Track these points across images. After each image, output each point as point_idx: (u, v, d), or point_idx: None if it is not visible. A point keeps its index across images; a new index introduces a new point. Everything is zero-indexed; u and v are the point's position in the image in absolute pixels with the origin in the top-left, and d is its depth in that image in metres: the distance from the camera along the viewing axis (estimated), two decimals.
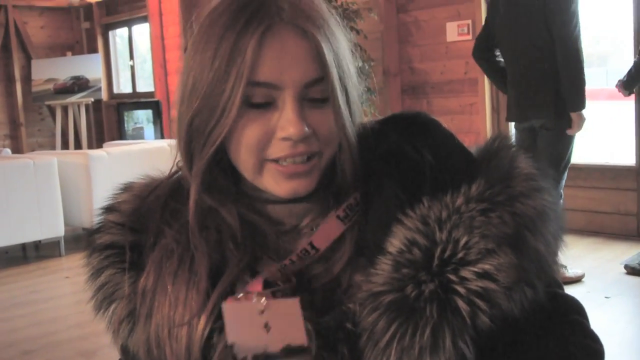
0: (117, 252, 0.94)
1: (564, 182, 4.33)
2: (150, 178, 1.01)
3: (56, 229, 5.99)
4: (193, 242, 0.89)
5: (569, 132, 4.21)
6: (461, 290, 0.78)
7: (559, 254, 0.87)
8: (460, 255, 0.79)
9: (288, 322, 0.83)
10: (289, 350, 0.82)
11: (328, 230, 0.89)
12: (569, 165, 4.35)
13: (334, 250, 0.89)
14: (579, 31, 4.11)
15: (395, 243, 0.82)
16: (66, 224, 6.10)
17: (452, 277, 0.78)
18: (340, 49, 0.88)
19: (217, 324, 0.85)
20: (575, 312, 0.91)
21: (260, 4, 0.85)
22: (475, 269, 0.78)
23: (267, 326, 0.83)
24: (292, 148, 0.85)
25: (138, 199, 0.98)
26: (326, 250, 0.89)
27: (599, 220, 5.54)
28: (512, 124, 5.02)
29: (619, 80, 4.69)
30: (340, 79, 0.87)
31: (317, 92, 0.86)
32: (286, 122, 0.84)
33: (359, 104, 0.93)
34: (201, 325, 0.85)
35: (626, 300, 4.17)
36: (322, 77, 0.85)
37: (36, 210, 5.84)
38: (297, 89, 0.84)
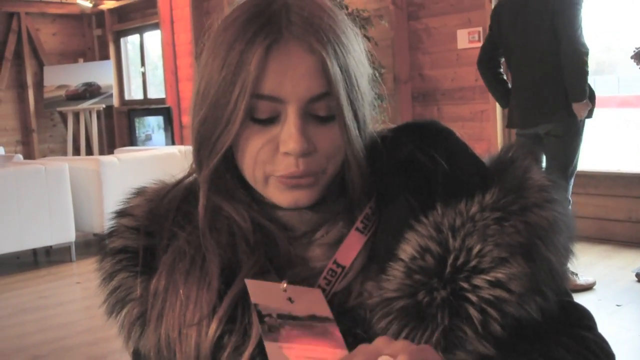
0: (130, 256, 0.94)
1: (571, 188, 4.33)
2: (162, 183, 1.01)
3: (67, 235, 6.02)
4: (204, 243, 0.90)
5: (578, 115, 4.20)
6: (473, 298, 0.78)
7: (569, 264, 0.87)
8: (473, 263, 0.79)
9: (312, 303, 0.84)
10: (313, 318, 0.82)
11: (350, 244, 0.89)
12: (576, 172, 4.35)
13: (354, 263, 0.89)
14: (582, 29, 4.13)
15: (407, 250, 0.82)
16: (77, 230, 6.13)
17: (465, 285, 0.78)
18: (351, 62, 0.88)
19: (228, 326, 0.85)
20: (585, 319, 0.91)
21: (270, 15, 0.85)
22: (488, 278, 0.78)
23: (291, 299, 0.84)
24: (295, 166, 0.85)
25: (151, 203, 0.98)
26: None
27: (611, 228, 5.51)
28: (513, 131, 5.02)
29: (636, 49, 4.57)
30: (348, 94, 0.86)
31: (323, 109, 0.86)
32: (288, 136, 0.84)
33: (369, 114, 0.93)
34: (213, 326, 0.85)
35: (637, 309, 4.14)
36: (327, 92, 0.84)
37: (47, 216, 5.87)
38: (301, 104, 0.84)
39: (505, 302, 0.77)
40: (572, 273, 4.26)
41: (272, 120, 0.86)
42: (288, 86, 0.83)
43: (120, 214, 0.99)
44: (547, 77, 4.24)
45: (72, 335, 4.17)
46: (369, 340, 0.80)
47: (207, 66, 0.88)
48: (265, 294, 0.84)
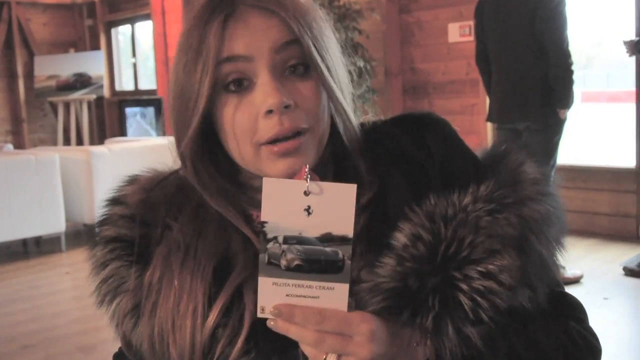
0: (123, 246, 0.94)
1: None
2: (155, 171, 1.01)
3: (57, 225, 6.01)
4: (196, 237, 0.90)
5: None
6: (464, 287, 0.79)
7: (559, 256, 0.88)
8: (464, 253, 0.80)
9: (336, 209, 0.76)
10: (328, 239, 0.77)
11: None
12: (565, 166, 4.39)
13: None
14: (568, 40, 4.20)
15: (400, 238, 0.82)
16: (67, 220, 6.12)
17: (456, 273, 0.79)
18: (314, 23, 0.88)
19: (223, 319, 0.85)
20: (576, 310, 0.92)
21: None
22: (480, 268, 0.79)
23: (308, 210, 0.76)
24: (279, 124, 0.84)
25: (144, 191, 0.98)
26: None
27: (598, 222, 5.55)
28: (492, 125, 5.05)
29: (632, 41, 4.57)
30: (315, 44, 0.86)
31: (293, 58, 0.86)
32: (263, 94, 0.84)
33: (344, 77, 0.93)
34: (210, 319, 0.85)
35: (624, 302, 4.18)
36: (292, 39, 0.85)
37: (37, 206, 5.86)
38: (269, 57, 0.84)
39: (495, 294, 0.78)
40: (560, 266, 4.29)
41: (247, 87, 0.86)
42: (251, 42, 0.84)
43: (113, 201, 0.99)
44: (523, 75, 4.29)
45: (62, 325, 4.18)
46: None
47: (175, 62, 0.90)
48: (281, 201, 0.76)
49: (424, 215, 0.83)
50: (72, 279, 5.23)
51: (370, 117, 1.00)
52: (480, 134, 6.07)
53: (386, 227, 0.85)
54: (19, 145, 9.42)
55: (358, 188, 0.77)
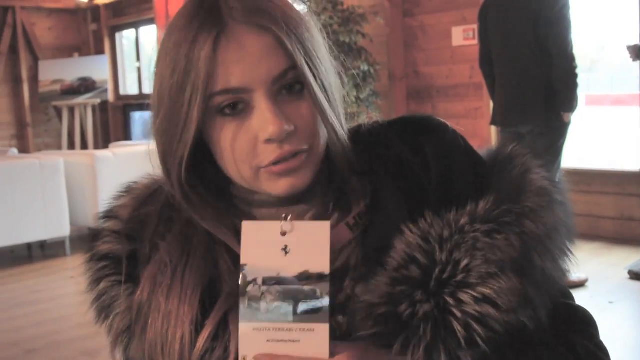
0: (114, 264, 0.93)
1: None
2: (152, 179, 0.99)
3: (62, 229, 6.01)
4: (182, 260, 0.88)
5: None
6: (458, 313, 0.76)
7: (567, 264, 0.85)
8: (459, 277, 0.77)
9: (311, 247, 0.78)
10: (306, 277, 0.78)
11: (336, 235, 0.86)
12: (570, 170, 4.39)
13: (338, 262, 0.86)
14: (572, 44, 4.19)
15: (394, 257, 0.80)
16: (72, 224, 6.12)
17: (449, 299, 0.76)
18: (304, 34, 0.84)
19: (211, 344, 0.84)
20: (584, 323, 0.89)
21: (209, 8, 0.82)
22: (474, 293, 0.76)
23: (286, 249, 0.78)
24: (280, 149, 0.82)
25: (137, 203, 0.96)
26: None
27: (603, 225, 5.54)
28: (496, 128, 5.05)
29: (636, 46, 4.55)
30: (310, 67, 0.82)
31: (291, 84, 0.83)
32: (264, 122, 0.80)
33: (336, 84, 0.90)
34: (198, 345, 0.84)
35: (630, 305, 4.17)
36: (290, 66, 0.81)
37: (42, 210, 5.87)
38: (267, 86, 0.81)
39: (492, 318, 0.75)
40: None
41: (243, 110, 0.82)
42: (247, 73, 0.80)
43: (106, 216, 0.97)
44: (527, 79, 4.29)
45: (65, 329, 4.18)
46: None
47: (160, 68, 0.85)
48: (259, 242, 0.79)
49: (419, 236, 0.80)
50: (77, 283, 5.23)
51: (365, 119, 0.97)
52: (484, 138, 6.06)
53: (380, 242, 0.83)
54: (23, 149, 9.44)
55: (347, 205, 0.80)
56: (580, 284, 4.36)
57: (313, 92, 0.82)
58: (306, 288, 0.78)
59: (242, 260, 0.78)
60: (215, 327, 0.84)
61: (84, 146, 9.64)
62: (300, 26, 0.83)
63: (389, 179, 0.88)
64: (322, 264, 0.78)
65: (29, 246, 6.32)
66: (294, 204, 0.88)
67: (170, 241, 0.90)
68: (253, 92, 0.81)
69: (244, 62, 0.80)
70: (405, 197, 0.86)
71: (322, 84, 0.84)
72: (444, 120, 0.93)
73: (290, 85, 0.83)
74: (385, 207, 0.87)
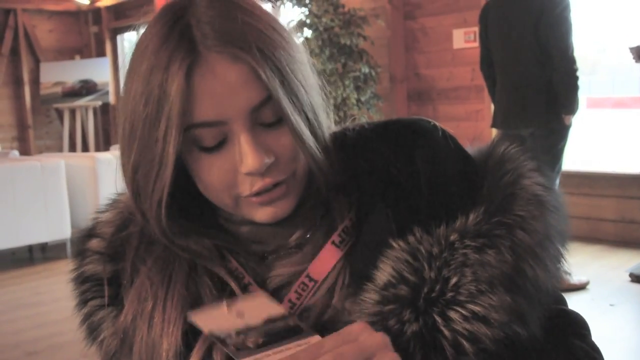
0: (98, 286, 0.92)
1: (557, 188, 4.36)
2: None
3: (63, 231, 6.02)
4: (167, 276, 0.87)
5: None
6: (446, 332, 0.74)
7: (562, 268, 0.84)
8: (448, 295, 0.76)
9: (260, 307, 0.80)
10: (270, 321, 0.78)
11: (325, 258, 0.84)
12: (570, 172, 4.38)
13: (327, 278, 0.84)
14: (573, 46, 4.19)
15: (383, 274, 0.78)
16: (73, 226, 6.12)
17: (438, 318, 0.75)
18: (283, 56, 0.79)
19: None
20: (577, 326, 0.89)
21: (180, 34, 0.77)
22: (464, 312, 0.75)
23: (240, 314, 0.79)
24: (261, 181, 0.79)
25: (120, 218, 0.94)
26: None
27: (604, 228, 5.53)
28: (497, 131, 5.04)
29: (638, 47, 4.55)
30: (288, 91, 0.78)
31: (268, 114, 0.79)
32: (243, 156, 0.78)
33: (318, 101, 0.85)
34: None
35: (631, 308, 4.17)
36: (267, 97, 0.77)
37: (43, 212, 5.87)
38: (245, 118, 0.77)
39: (482, 335, 0.74)
40: (566, 272, 4.28)
41: (222, 142, 0.79)
42: (224, 105, 0.76)
43: (88, 234, 0.96)
44: (528, 81, 4.29)
45: (66, 331, 4.17)
46: None
47: (128, 104, 0.80)
48: (214, 319, 0.79)
49: (408, 252, 0.78)
50: None
51: (349, 123, 0.93)
52: (484, 140, 6.04)
53: (368, 256, 0.81)
54: (24, 151, 9.44)
55: (332, 222, 0.83)
56: (582, 287, 4.36)
57: (291, 124, 0.79)
58: (279, 323, 0.79)
59: (206, 332, 0.78)
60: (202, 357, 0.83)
61: (85, 148, 9.65)
62: (278, 48, 0.79)
63: (376, 191, 0.85)
64: (277, 309, 0.79)
65: (30, 248, 6.32)
66: (275, 225, 0.86)
67: (151, 266, 0.87)
68: (231, 124, 0.78)
69: (220, 94, 0.76)
70: (394, 208, 0.83)
71: (302, 109, 0.80)
72: (433, 122, 0.90)
73: (268, 123, 0.80)
74: (372, 221, 0.84)
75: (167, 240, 0.85)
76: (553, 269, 0.81)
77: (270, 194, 0.81)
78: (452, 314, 0.75)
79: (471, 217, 0.79)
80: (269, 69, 0.77)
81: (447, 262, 0.77)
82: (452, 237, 0.78)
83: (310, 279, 0.84)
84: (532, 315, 0.77)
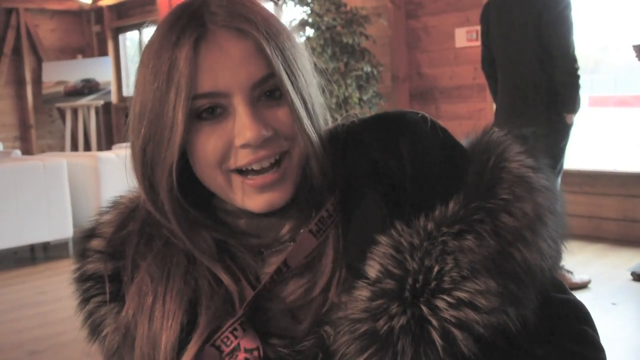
0: (100, 284, 0.94)
1: (559, 186, 4.36)
2: (137, 192, 0.97)
3: (65, 230, 6.02)
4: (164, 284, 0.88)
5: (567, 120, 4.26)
6: (434, 321, 0.75)
7: (561, 254, 0.83)
8: (432, 285, 0.76)
9: None
10: None
11: (300, 246, 0.86)
12: (573, 171, 4.37)
13: (311, 269, 0.86)
14: (574, 45, 4.20)
15: (371, 270, 0.79)
16: (75, 225, 6.12)
17: (425, 308, 0.75)
18: (285, 42, 0.83)
19: None
20: (579, 319, 0.87)
21: (191, 14, 0.82)
22: (449, 299, 0.75)
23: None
24: (253, 154, 0.81)
25: (120, 219, 0.96)
26: (302, 269, 0.86)
27: (606, 227, 5.53)
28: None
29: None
30: (288, 72, 0.82)
31: (270, 92, 0.82)
32: (241, 127, 0.80)
33: (316, 95, 0.88)
34: None
35: (633, 307, 4.16)
36: (270, 73, 0.81)
37: (45, 212, 5.87)
38: (246, 91, 0.80)
39: (472, 321, 0.74)
40: (568, 271, 4.29)
41: (220, 114, 0.82)
42: (227, 78, 0.80)
43: (89, 235, 0.98)
44: (529, 80, 4.29)
45: (69, 330, 4.17)
46: (332, 352, 0.79)
47: (139, 86, 0.84)
48: None
49: (391, 246, 0.79)
50: None
51: (340, 119, 0.94)
52: None
53: (358, 254, 0.82)
54: (26, 151, 9.46)
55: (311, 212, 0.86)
56: (583, 286, 4.35)
57: (290, 99, 0.81)
58: None
59: None
60: (198, 349, 0.84)
61: (87, 148, 9.65)
62: (281, 34, 0.83)
63: (364, 186, 0.86)
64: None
65: (32, 248, 6.33)
66: (271, 216, 0.87)
67: (150, 262, 0.89)
68: (232, 97, 0.81)
69: (224, 67, 0.80)
70: (383, 203, 0.84)
71: (301, 93, 0.83)
72: (421, 113, 0.91)
73: (271, 92, 0.82)
74: (362, 216, 0.85)
75: (174, 216, 0.86)
76: (549, 250, 0.80)
77: (265, 177, 0.82)
78: (438, 302, 0.75)
79: (450, 205, 0.80)
80: (273, 47, 0.81)
81: (428, 251, 0.77)
82: (430, 227, 0.78)
83: (286, 265, 0.85)
84: (525, 299, 0.77)
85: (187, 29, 0.80)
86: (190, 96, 0.79)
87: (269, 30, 0.81)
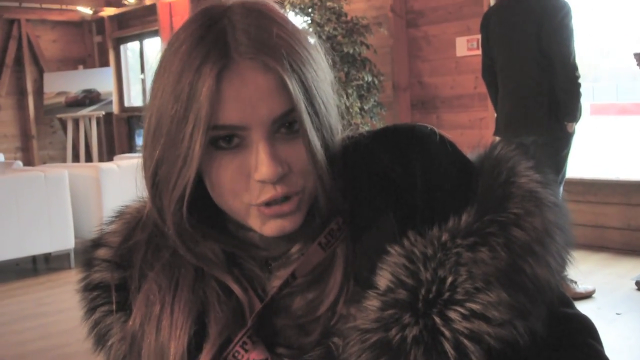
0: (106, 293, 0.93)
1: (561, 195, 4.35)
2: (143, 202, 0.96)
3: (66, 242, 6.02)
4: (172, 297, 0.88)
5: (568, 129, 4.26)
6: (447, 332, 0.75)
7: (566, 269, 0.83)
8: (446, 295, 0.76)
9: None
10: None
11: (308, 258, 0.86)
12: (575, 180, 4.36)
13: (320, 283, 0.86)
14: (575, 53, 4.20)
15: (382, 280, 0.79)
16: (76, 237, 6.12)
17: (437, 319, 0.76)
18: (310, 73, 0.81)
19: None
20: (585, 334, 0.88)
21: (215, 38, 0.79)
22: (462, 310, 0.75)
23: None
24: (273, 190, 0.80)
25: (127, 230, 0.95)
26: (310, 282, 0.86)
27: (610, 236, 5.51)
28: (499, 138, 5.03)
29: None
30: (310, 108, 0.80)
31: (289, 127, 0.81)
32: (259, 163, 0.79)
33: (336, 123, 0.87)
34: None
35: (637, 317, 4.14)
36: (290, 109, 0.79)
37: (47, 223, 5.87)
38: (266, 127, 0.79)
39: (483, 333, 0.74)
40: (572, 281, 4.28)
41: (238, 145, 0.80)
42: (248, 112, 0.78)
43: (96, 243, 0.97)
44: (530, 89, 4.29)
45: (72, 342, 4.16)
46: None
47: (156, 100, 0.83)
48: None
49: (404, 256, 0.79)
50: None
51: (348, 131, 0.93)
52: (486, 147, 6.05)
53: (368, 261, 0.82)
54: (28, 162, 9.46)
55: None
56: (587, 296, 4.34)
57: (307, 140, 0.80)
58: None
59: None
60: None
61: (89, 158, 9.66)
62: (306, 64, 0.81)
63: (374, 197, 0.86)
64: None
65: (33, 259, 6.33)
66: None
67: (158, 271, 0.89)
68: (251, 130, 0.79)
69: (245, 100, 0.78)
70: (393, 215, 0.84)
71: (320, 129, 0.82)
72: (430, 127, 0.91)
73: (290, 124, 0.81)
74: (372, 228, 0.85)
75: (179, 239, 0.86)
76: (556, 266, 0.80)
77: (282, 207, 0.81)
78: (451, 314, 0.75)
79: (464, 217, 0.80)
80: (296, 82, 0.79)
81: (442, 262, 0.77)
82: (444, 238, 0.78)
83: (294, 277, 0.85)
84: (534, 312, 0.77)
85: (210, 55, 0.78)
86: (208, 128, 0.78)
87: (293, 62, 0.79)
